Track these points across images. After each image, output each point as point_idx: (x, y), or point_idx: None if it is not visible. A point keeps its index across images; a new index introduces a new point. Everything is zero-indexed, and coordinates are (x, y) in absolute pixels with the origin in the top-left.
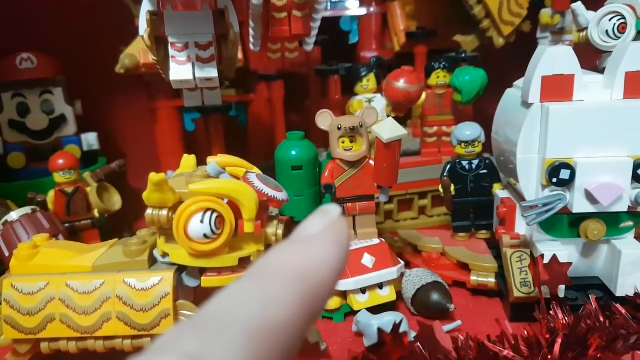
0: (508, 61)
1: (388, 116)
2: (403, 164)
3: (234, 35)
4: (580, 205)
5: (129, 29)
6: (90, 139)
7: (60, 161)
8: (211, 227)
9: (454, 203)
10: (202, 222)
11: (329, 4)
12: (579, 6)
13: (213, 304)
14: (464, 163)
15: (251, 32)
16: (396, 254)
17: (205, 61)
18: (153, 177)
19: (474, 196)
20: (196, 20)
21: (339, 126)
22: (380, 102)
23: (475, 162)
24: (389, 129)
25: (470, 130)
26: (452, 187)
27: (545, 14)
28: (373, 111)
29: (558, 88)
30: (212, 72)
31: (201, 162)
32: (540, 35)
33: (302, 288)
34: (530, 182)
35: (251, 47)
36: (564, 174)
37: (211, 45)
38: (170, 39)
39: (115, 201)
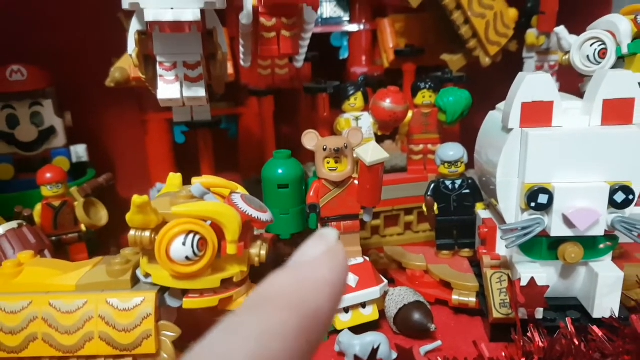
0: (495, 79)
1: (375, 134)
2: (390, 181)
3: (222, 56)
4: (558, 229)
5: (120, 41)
6: (80, 151)
7: (48, 175)
8: (193, 249)
9: (437, 222)
10: (184, 244)
11: (320, 19)
12: (561, 30)
13: (209, 342)
14: (447, 183)
15: (241, 48)
16: (381, 270)
17: (193, 80)
18: (136, 199)
19: (457, 215)
20: (184, 40)
21: (324, 147)
22: (367, 120)
23: (458, 181)
24: (371, 153)
25: (453, 150)
26: (436, 207)
27: (531, 35)
28: (358, 132)
29: (537, 114)
30: (200, 92)
31: (191, 174)
32: (526, 55)
33: (299, 317)
34: (510, 205)
35: (241, 62)
36: (542, 199)
37: (199, 65)
38: (158, 58)
39: (102, 216)
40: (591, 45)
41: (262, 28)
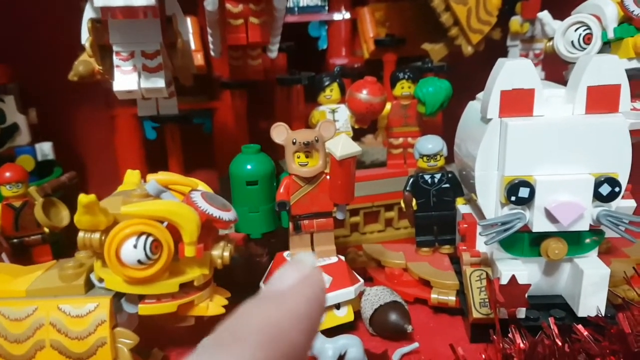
0: (478, 69)
1: (353, 128)
2: (369, 176)
3: (182, 44)
4: (540, 224)
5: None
6: (45, 149)
7: (7, 174)
8: (146, 252)
9: (416, 217)
10: (135, 247)
11: (296, 8)
12: (545, 15)
13: None
14: (427, 177)
15: (210, 37)
16: (359, 269)
17: (152, 71)
18: (82, 198)
19: (437, 210)
20: (142, 28)
21: (294, 140)
22: (344, 113)
23: (438, 175)
24: (341, 146)
25: (432, 143)
26: (414, 202)
27: (515, 22)
28: (330, 125)
29: (517, 103)
30: (159, 82)
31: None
32: (510, 43)
33: (274, 353)
34: (489, 200)
35: (212, 53)
36: (523, 192)
37: (158, 54)
38: (114, 48)
39: (63, 216)
40: (575, 30)
41: (229, 15)
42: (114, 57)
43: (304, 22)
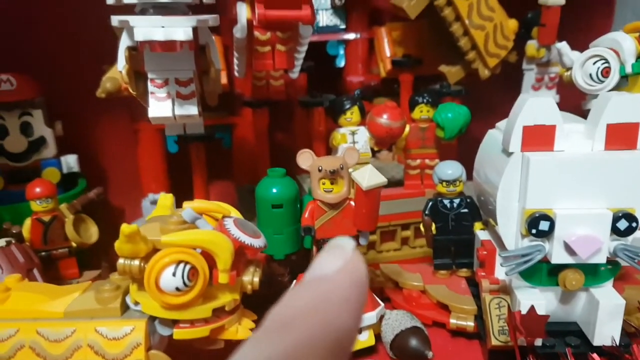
0: (493, 90)
1: (371, 149)
2: (386, 196)
3: (215, 73)
4: (559, 257)
5: (111, 48)
6: (70, 161)
7: (37, 189)
8: (184, 280)
9: (435, 241)
10: (174, 275)
11: (315, 28)
12: (563, 46)
13: None
14: (445, 201)
15: (235, 60)
16: (377, 288)
17: (186, 98)
18: (125, 228)
19: (455, 234)
20: (176, 57)
21: (320, 168)
22: (363, 135)
23: (457, 200)
24: (368, 177)
25: (451, 169)
26: (433, 226)
27: (531, 46)
28: (354, 152)
29: (539, 138)
30: (192, 110)
31: (184, 184)
32: (526, 67)
33: (324, 341)
34: (510, 230)
35: (236, 73)
36: (543, 225)
37: (192, 81)
38: (149, 75)
39: (92, 233)
40: (594, 64)
41: (257, 42)
42: (149, 84)
43: (323, 41)
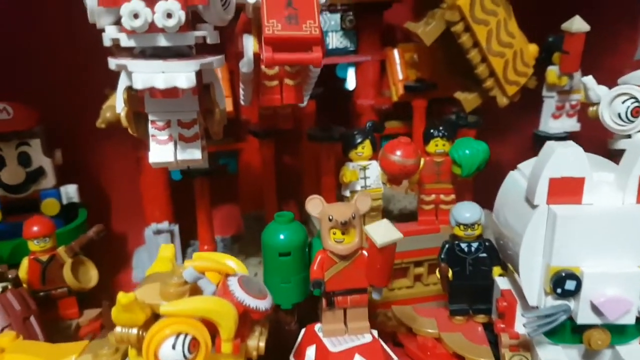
0: (510, 113)
1: (384, 184)
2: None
3: (219, 114)
4: (585, 317)
5: (113, 72)
6: (70, 191)
7: (35, 228)
8: (184, 352)
9: (451, 286)
10: (174, 347)
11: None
12: (589, 80)
13: None
14: (463, 245)
15: (241, 91)
16: (389, 333)
17: (189, 140)
18: (122, 298)
19: (473, 280)
20: (179, 98)
21: (330, 217)
22: (375, 170)
23: (475, 244)
24: (382, 233)
25: (469, 212)
26: (450, 273)
27: (553, 73)
28: (366, 198)
29: (566, 190)
30: (196, 154)
31: (188, 213)
32: (546, 94)
33: None
34: (533, 286)
35: (241, 102)
36: (569, 285)
37: (195, 122)
38: (150, 117)
39: (92, 276)
40: (623, 102)
41: (264, 76)
42: (149, 126)
43: (332, 64)
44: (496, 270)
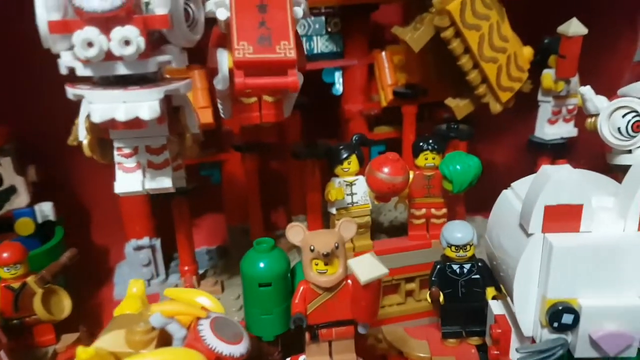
0: (502, 118)
1: (372, 201)
2: (389, 249)
3: (190, 140)
4: (583, 351)
5: None
6: (45, 209)
7: (5, 255)
8: None
9: (442, 309)
10: None
11: (310, 54)
12: (587, 90)
13: None
14: (455, 267)
15: (220, 106)
16: (379, 356)
17: (158, 167)
18: (81, 353)
19: (465, 302)
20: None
21: (312, 248)
22: (362, 186)
23: (467, 266)
24: (366, 269)
25: (461, 232)
26: (442, 297)
27: (548, 77)
28: (350, 225)
29: (563, 218)
30: (166, 182)
31: (169, 228)
32: (541, 99)
33: None
34: (527, 316)
35: (222, 115)
36: (567, 319)
37: (165, 149)
38: (115, 144)
39: (65, 306)
40: (623, 116)
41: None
42: (115, 153)
43: (318, 69)
44: (490, 291)
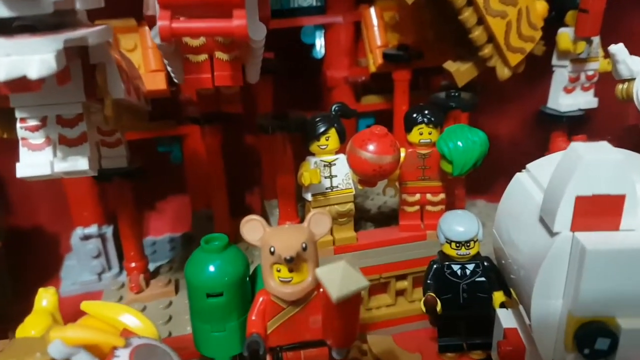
0: (514, 86)
1: (355, 185)
2: (377, 242)
3: (110, 109)
4: None
5: None
6: None
7: None
8: None
9: (439, 317)
10: None
11: (285, 9)
12: (619, 50)
13: None
14: (455, 267)
15: (168, 67)
16: None
17: (72, 143)
18: None
19: (467, 309)
20: (57, 85)
21: (272, 250)
22: (343, 166)
23: (470, 266)
24: (341, 282)
25: (463, 226)
26: (439, 306)
27: (565, 37)
28: (323, 218)
29: (598, 212)
30: (80, 163)
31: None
32: (556, 63)
33: None
34: (548, 337)
35: (174, 80)
36: (601, 344)
37: (81, 119)
38: (17, 113)
39: None
40: None
41: (186, 49)
42: (18, 125)
43: (296, 27)
44: (497, 297)
